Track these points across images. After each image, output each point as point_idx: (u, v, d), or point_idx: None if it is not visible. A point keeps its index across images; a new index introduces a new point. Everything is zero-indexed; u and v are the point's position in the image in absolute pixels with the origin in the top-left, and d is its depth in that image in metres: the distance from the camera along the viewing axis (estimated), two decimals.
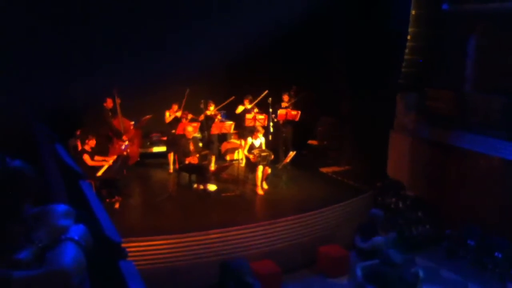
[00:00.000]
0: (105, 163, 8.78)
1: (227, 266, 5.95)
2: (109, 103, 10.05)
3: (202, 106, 10.99)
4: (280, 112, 11.19)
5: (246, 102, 11.18)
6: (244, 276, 5.70)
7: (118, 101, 9.97)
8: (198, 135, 10.94)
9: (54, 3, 9.20)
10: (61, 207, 1.48)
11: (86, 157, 8.54)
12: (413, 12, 9.70)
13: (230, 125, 10.86)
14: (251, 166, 9.95)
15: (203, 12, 11.04)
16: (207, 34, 10.82)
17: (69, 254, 1.31)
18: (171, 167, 10.91)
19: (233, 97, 11.17)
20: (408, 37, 9.82)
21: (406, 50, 9.92)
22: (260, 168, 9.71)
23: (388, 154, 11.02)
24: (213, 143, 11.25)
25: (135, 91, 10.02)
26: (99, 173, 8.63)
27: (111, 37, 9.92)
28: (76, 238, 1.38)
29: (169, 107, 10.69)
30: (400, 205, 9.92)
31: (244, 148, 10.04)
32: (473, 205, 9.30)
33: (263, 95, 11.13)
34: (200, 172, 9.67)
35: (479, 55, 9.63)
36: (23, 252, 1.30)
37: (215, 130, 10.66)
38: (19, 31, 8.49)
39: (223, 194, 9.68)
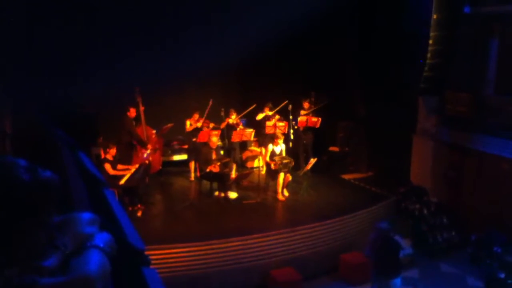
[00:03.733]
0: (127, 172, 8.86)
1: None
2: (132, 112, 9.87)
3: (222, 114, 11.03)
4: (301, 119, 11.16)
5: (267, 109, 11.19)
6: None
7: (142, 108, 9.82)
8: (219, 143, 10.99)
9: (75, 12, 9.40)
10: (86, 215, 1.50)
11: (107, 166, 8.62)
12: (434, 16, 9.60)
13: (250, 132, 10.88)
14: (272, 173, 9.93)
15: (222, 20, 11.13)
16: (224, 41, 10.91)
17: (94, 261, 1.32)
18: (192, 175, 10.96)
19: (255, 105, 11.20)
20: (430, 41, 9.71)
21: (428, 54, 9.80)
22: (281, 175, 9.69)
23: (411, 159, 10.88)
24: (234, 150, 11.28)
25: (155, 98, 10.11)
26: (122, 182, 8.72)
27: (130, 44, 10.05)
28: (101, 245, 1.39)
29: (189, 115, 10.74)
30: (425, 211, 9.77)
31: (265, 155, 10.03)
32: (495, 209, 9.11)
33: (283, 104, 11.12)
34: (221, 180, 9.69)
35: (500, 57, 9.47)
36: (50, 259, 1.32)
37: (235, 137, 10.68)
38: (38, 38, 8.66)
39: (244, 202, 9.68)
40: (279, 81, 11.72)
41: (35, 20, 8.70)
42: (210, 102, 10.52)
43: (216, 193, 9.82)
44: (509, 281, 4.95)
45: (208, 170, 9.56)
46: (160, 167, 10.74)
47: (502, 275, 6.11)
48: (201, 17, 10.97)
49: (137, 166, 9.07)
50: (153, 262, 1.59)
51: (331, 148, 12.65)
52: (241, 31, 10.17)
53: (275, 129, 10.59)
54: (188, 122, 10.71)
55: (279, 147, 9.94)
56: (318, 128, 11.33)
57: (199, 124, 10.55)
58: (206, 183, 10.13)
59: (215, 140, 9.80)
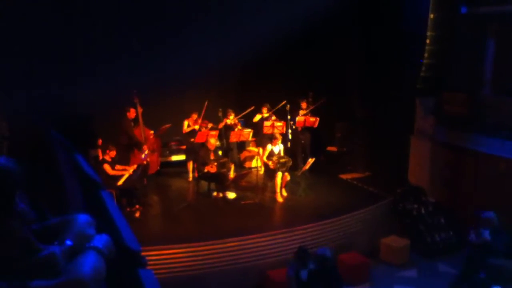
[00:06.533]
0: (125, 173, 8.85)
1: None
2: (132, 113, 9.87)
3: (220, 114, 11.03)
4: (299, 119, 11.15)
5: (264, 110, 11.18)
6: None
7: (140, 110, 9.84)
8: (217, 143, 10.98)
9: (72, 13, 9.41)
10: (84, 217, 1.51)
11: (107, 167, 8.64)
12: (431, 16, 9.62)
13: (248, 132, 10.88)
14: (270, 173, 9.93)
15: (219, 21, 11.14)
16: (222, 42, 10.92)
17: (89, 264, 1.33)
18: (190, 175, 10.95)
19: (253, 107, 11.21)
20: (427, 41, 9.73)
21: (425, 54, 9.82)
22: (279, 175, 9.69)
23: (408, 160, 10.89)
24: (232, 150, 11.27)
25: (153, 99, 10.11)
26: (120, 182, 8.71)
27: (129, 46, 10.06)
28: (100, 247, 1.40)
29: (187, 115, 10.73)
30: (422, 211, 9.78)
31: (263, 155, 10.03)
32: (493, 209, 9.11)
33: (281, 104, 11.12)
34: (219, 180, 9.69)
35: (496, 57, 9.49)
36: (52, 247, 1.34)
37: (233, 138, 10.68)
38: (35, 39, 8.65)
39: (242, 202, 9.69)
40: (277, 81, 11.72)
41: (31, 22, 8.70)
42: (206, 104, 10.50)
43: (214, 193, 9.81)
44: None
45: (205, 170, 9.56)
46: (158, 168, 10.73)
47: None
48: (200, 18, 10.99)
49: (135, 167, 9.07)
50: (151, 262, 1.60)
51: (329, 148, 12.66)
52: (239, 32, 10.19)
53: (273, 129, 10.59)
54: (186, 123, 10.70)
55: (278, 147, 9.94)
56: (316, 128, 11.34)
57: (196, 127, 10.55)
58: (204, 184, 10.12)
59: (213, 141, 9.80)
